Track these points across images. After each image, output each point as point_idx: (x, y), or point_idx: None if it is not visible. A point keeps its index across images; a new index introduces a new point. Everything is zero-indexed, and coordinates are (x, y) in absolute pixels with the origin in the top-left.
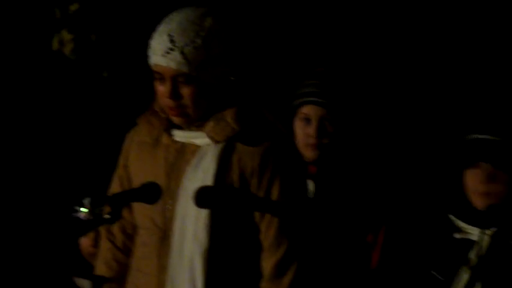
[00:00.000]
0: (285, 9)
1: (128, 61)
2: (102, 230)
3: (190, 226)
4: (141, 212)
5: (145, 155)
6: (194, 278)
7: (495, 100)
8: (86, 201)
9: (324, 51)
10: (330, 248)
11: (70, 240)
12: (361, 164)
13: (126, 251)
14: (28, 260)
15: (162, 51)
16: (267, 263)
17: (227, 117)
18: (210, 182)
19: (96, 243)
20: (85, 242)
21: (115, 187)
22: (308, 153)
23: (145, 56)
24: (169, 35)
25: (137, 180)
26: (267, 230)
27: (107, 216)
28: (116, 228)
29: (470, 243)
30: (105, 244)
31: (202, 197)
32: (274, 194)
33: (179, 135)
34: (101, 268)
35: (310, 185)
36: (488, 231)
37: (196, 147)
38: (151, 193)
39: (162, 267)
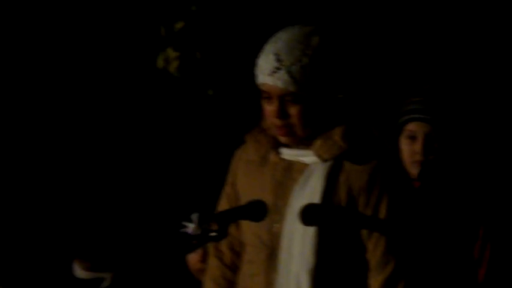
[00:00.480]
0: (393, 27)
1: (233, 79)
2: (210, 247)
3: (297, 244)
4: (248, 230)
5: (252, 173)
6: None
7: None
8: (194, 216)
9: (429, 69)
10: (436, 265)
11: (178, 256)
12: (465, 178)
13: (234, 268)
14: (139, 275)
15: (268, 71)
16: (375, 282)
17: (335, 135)
18: (318, 200)
19: (204, 259)
20: (193, 258)
21: (223, 204)
22: (414, 170)
23: (250, 74)
24: (275, 54)
25: (244, 198)
26: (375, 248)
27: (213, 234)
28: (224, 246)
29: None
30: (213, 261)
31: (308, 215)
32: (382, 212)
33: (287, 154)
34: (209, 285)
35: (414, 200)
36: None
37: (303, 166)
38: (257, 211)
39: (269, 285)
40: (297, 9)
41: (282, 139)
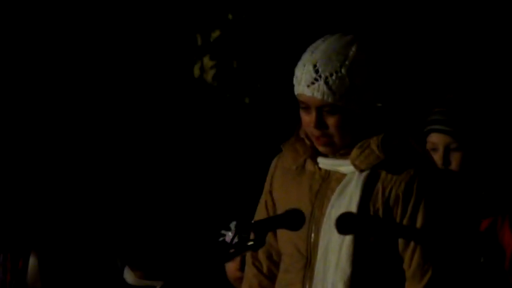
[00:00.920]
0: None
1: (269, 87)
2: (248, 255)
3: (334, 254)
4: (285, 239)
5: (290, 182)
6: None
7: None
8: (232, 225)
9: (453, 77)
10: (470, 276)
11: (217, 264)
12: (488, 189)
13: (271, 277)
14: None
15: (306, 82)
16: None
17: (372, 145)
18: (354, 209)
19: (242, 268)
20: (231, 266)
21: (260, 213)
22: None
23: (287, 82)
24: (313, 65)
25: (282, 207)
26: (411, 258)
27: (251, 242)
28: (261, 255)
29: None
30: (250, 270)
31: (344, 224)
32: (419, 221)
33: (324, 163)
34: None
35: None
36: None
37: (341, 175)
38: (294, 220)
39: None
40: (334, 18)
41: (320, 148)
